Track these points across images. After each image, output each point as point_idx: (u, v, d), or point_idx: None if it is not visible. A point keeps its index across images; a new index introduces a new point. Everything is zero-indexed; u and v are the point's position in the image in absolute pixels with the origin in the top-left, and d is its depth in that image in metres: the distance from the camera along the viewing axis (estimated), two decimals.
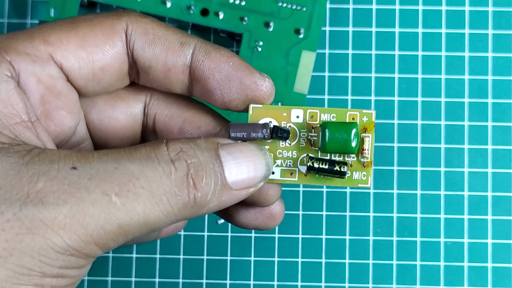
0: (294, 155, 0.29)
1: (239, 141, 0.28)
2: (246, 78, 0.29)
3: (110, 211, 0.24)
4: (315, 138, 0.29)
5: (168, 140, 0.26)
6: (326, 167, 0.29)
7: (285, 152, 0.29)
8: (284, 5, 0.41)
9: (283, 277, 0.42)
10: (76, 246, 0.24)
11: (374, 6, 0.43)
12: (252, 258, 0.43)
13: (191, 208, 0.26)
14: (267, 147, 0.29)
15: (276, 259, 0.42)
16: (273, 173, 0.29)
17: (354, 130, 0.28)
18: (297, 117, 0.29)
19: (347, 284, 0.42)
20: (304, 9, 0.41)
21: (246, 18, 0.41)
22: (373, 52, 0.43)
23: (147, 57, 0.29)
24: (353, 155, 0.29)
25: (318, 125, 0.29)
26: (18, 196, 0.23)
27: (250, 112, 0.29)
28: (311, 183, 0.29)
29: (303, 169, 0.29)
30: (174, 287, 0.42)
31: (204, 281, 0.42)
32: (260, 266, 0.42)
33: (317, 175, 0.29)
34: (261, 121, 0.29)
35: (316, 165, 0.29)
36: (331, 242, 0.43)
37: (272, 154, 0.29)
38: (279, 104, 0.41)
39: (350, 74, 0.43)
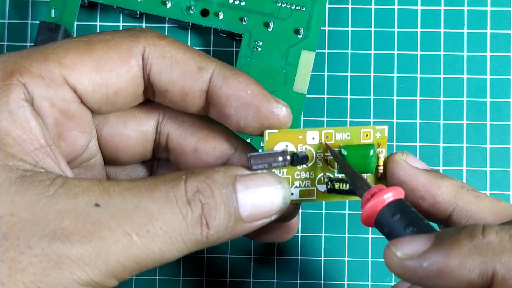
0: (312, 175, 0.29)
1: (259, 171, 0.28)
2: (263, 107, 0.28)
3: (130, 249, 0.25)
4: (331, 157, 0.29)
5: (187, 177, 0.26)
6: (347, 189, 0.29)
7: (303, 174, 0.29)
8: (284, 5, 0.41)
9: (283, 275, 0.42)
10: (98, 280, 0.25)
11: (373, 6, 0.43)
12: (252, 256, 0.42)
13: (203, 244, 0.26)
14: (285, 170, 0.29)
15: (275, 257, 0.42)
16: (292, 194, 0.29)
17: (371, 152, 0.28)
18: (313, 138, 0.29)
19: (346, 282, 0.42)
20: (304, 9, 0.41)
21: (246, 18, 0.41)
22: (372, 51, 0.43)
23: (164, 81, 0.29)
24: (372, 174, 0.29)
25: (333, 146, 0.29)
26: (45, 232, 0.24)
27: (266, 137, 0.28)
28: (329, 199, 0.30)
29: (322, 187, 0.29)
30: (174, 285, 0.42)
31: (204, 279, 0.42)
32: (260, 264, 0.42)
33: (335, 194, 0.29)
34: (278, 146, 0.29)
35: (336, 187, 0.29)
36: (331, 240, 0.42)
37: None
38: None
39: (349, 74, 0.43)
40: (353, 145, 0.29)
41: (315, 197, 0.29)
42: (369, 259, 0.42)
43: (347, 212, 0.42)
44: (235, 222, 0.27)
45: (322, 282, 0.42)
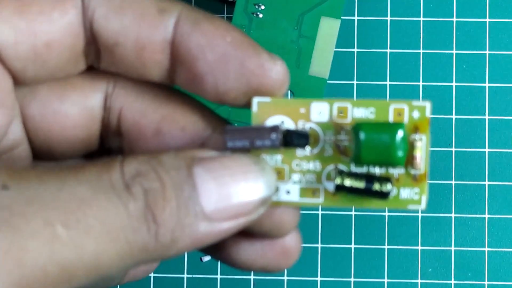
0: (318, 167, 0.26)
1: (227, 152, 0.25)
2: (249, 60, 0.25)
3: (54, 247, 0.22)
4: (346, 143, 0.26)
5: (124, 158, 0.24)
6: (363, 186, 0.25)
7: (304, 163, 0.26)
8: None
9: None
10: None
11: None
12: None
13: (154, 249, 0.23)
14: (279, 156, 0.26)
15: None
16: (288, 192, 0.26)
17: (400, 133, 0.25)
18: (320, 113, 0.26)
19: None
20: None
21: None
22: (421, 18, 0.40)
23: (113, 29, 0.26)
24: (400, 166, 0.26)
25: (349, 126, 0.26)
26: None
27: (255, 108, 0.26)
28: (342, 205, 0.27)
29: (331, 186, 0.26)
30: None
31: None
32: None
33: (349, 195, 0.26)
34: (269, 122, 0.26)
35: (348, 184, 0.25)
36: (363, 287, 0.40)
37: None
38: (291, 94, 0.40)
39: (388, 50, 0.40)
40: (372, 122, 0.26)
41: (321, 200, 0.26)
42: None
43: (386, 247, 0.40)
44: (195, 218, 0.24)
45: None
